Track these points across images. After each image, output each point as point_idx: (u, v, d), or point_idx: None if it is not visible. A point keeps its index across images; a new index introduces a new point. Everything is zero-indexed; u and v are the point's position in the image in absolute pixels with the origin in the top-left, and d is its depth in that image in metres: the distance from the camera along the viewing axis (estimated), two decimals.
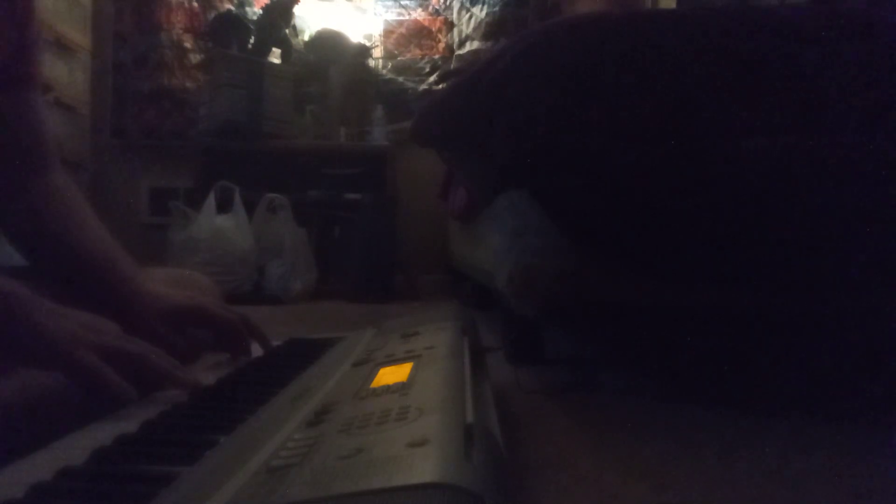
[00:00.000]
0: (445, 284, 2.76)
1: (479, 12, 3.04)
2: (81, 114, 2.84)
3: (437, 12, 3.09)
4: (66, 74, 2.70)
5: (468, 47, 3.04)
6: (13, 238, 0.71)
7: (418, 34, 3.09)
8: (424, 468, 0.29)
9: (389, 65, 3.08)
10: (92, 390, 0.50)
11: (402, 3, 3.08)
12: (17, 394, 0.51)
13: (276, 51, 2.86)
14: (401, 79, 3.07)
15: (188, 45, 2.99)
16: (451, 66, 3.00)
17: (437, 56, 3.08)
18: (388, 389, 0.45)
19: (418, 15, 3.09)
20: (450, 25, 3.09)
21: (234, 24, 2.79)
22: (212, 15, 2.95)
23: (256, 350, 0.75)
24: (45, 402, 0.52)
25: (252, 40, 2.79)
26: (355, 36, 3.00)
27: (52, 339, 0.49)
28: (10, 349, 0.50)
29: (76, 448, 0.41)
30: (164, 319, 0.68)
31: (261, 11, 2.86)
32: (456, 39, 3.08)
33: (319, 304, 2.45)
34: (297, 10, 2.86)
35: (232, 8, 2.97)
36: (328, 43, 2.91)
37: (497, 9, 3.01)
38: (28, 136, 0.72)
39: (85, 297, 0.67)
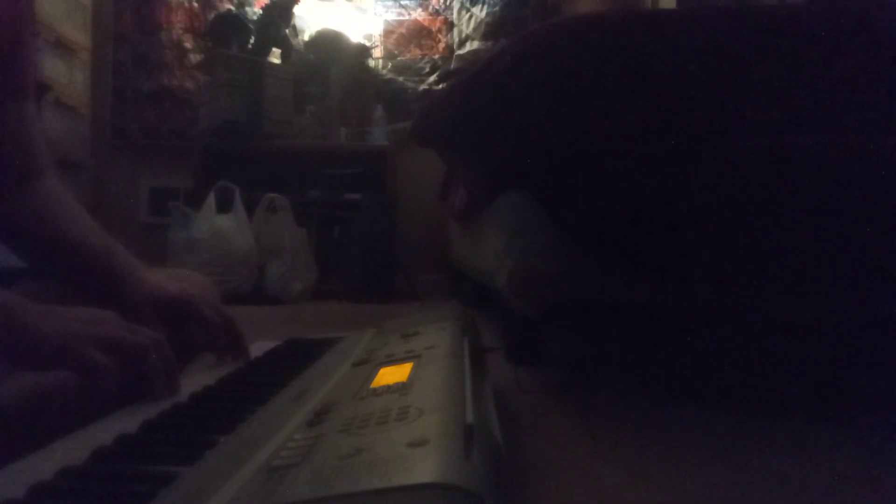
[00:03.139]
0: (445, 284, 2.76)
1: (479, 12, 3.04)
2: (81, 114, 2.84)
3: (437, 12, 3.09)
4: (66, 74, 2.70)
5: (468, 47, 3.04)
6: (6, 238, 0.72)
7: (418, 34, 3.09)
8: (424, 468, 0.29)
9: (389, 65, 3.08)
10: (94, 384, 0.50)
11: (402, 3, 3.08)
12: (17, 394, 0.51)
13: (276, 51, 2.86)
14: (401, 79, 3.07)
15: (188, 45, 2.99)
16: (451, 66, 3.00)
17: (437, 56, 3.08)
18: (388, 389, 0.45)
19: (418, 15, 3.09)
20: (450, 25, 3.09)
21: (234, 24, 2.79)
22: (212, 15, 2.95)
23: (256, 350, 0.75)
24: (45, 402, 0.52)
25: (252, 40, 2.79)
26: (355, 36, 3.00)
27: (46, 340, 0.49)
28: (5, 356, 0.50)
29: (76, 448, 0.41)
30: (155, 310, 0.68)
31: (261, 11, 2.86)
32: (456, 39, 3.08)
33: (319, 304, 2.45)
34: (297, 10, 2.86)
35: (232, 8, 2.97)
36: (328, 43, 2.91)
37: (497, 9, 3.01)
38: (19, 146, 0.72)
39: (82, 287, 0.68)
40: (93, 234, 0.72)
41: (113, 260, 0.71)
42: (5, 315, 0.49)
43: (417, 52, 3.08)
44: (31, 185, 0.73)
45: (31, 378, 0.52)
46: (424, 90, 3.03)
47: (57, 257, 0.71)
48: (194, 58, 2.99)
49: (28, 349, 0.49)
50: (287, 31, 2.84)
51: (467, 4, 3.06)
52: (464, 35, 3.07)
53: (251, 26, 2.81)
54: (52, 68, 2.57)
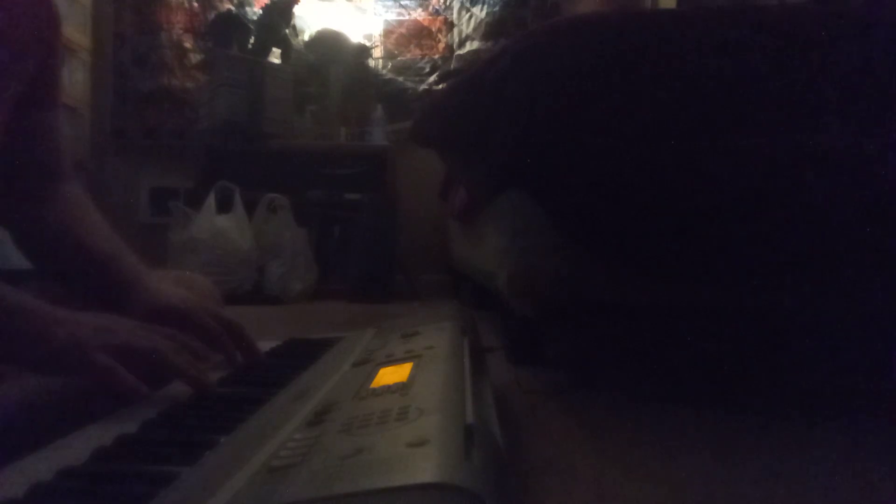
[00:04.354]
0: (445, 284, 2.76)
1: (479, 12, 3.04)
2: (81, 114, 2.84)
3: (437, 12, 3.09)
4: (66, 74, 2.70)
5: (468, 47, 3.04)
6: (22, 242, 0.74)
7: (418, 34, 3.09)
8: (424, 468, 0.29)
9: (389, 65, 3.08)
10: (108, 390, 0.51)
11: (402, 3, 3.08)
12: (17, 394, 0.52)
13: (276, 51, 2.86)
14: (401, 79, 3.07)
15: (188, 45, 2.99)
16: (451, 66, 3.00)
17: (437, 56, 3.07)
18: (388, 389, 0.45)
19: (418, 15, 3.09)
20: (450, 25, 3.09)
21: (234, 24, 2.79)
22: (212, 15, 2.95)
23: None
24: (45, 402, 0.52)
25: (252, 40, 2.79)
26: (355, 36, 3.00)
27: (60, 346, 0.50)
28: (19, 360, 0.51)
29: (76, 448, 0.41)
30: (153, 318, 0.68)
31: (261, 11, 2.86)
32: (456, 39, 3.08)
33: (319, 304, 2.45)
34: (297, 10, 2.86)
35: (232, 8, 2.96)
36: (328, 43, 2.91)
37: (497, 9, 3.01)
38: (47, 152, 0.76)
39: (89, 294, 0.69)
40: (104, 239, 0.74)
41: (120, 267, 0.72)
42: (18, 319, 0.50)
43: (417, 52, 3.08)
44: (56, 189, 0.76)
45: (31, 378, 0.53)
46: (424, 90, 3.03)
47: (68, 261, 0.72)
48: (194, 58, 2.99)
49: (38, 354, 0.50)
50: (287, 31, 2.84)
51: (467, 4, 3.06)
52: (464, 35, 3.07)
53: (251, 26, 2.81)
54: None
